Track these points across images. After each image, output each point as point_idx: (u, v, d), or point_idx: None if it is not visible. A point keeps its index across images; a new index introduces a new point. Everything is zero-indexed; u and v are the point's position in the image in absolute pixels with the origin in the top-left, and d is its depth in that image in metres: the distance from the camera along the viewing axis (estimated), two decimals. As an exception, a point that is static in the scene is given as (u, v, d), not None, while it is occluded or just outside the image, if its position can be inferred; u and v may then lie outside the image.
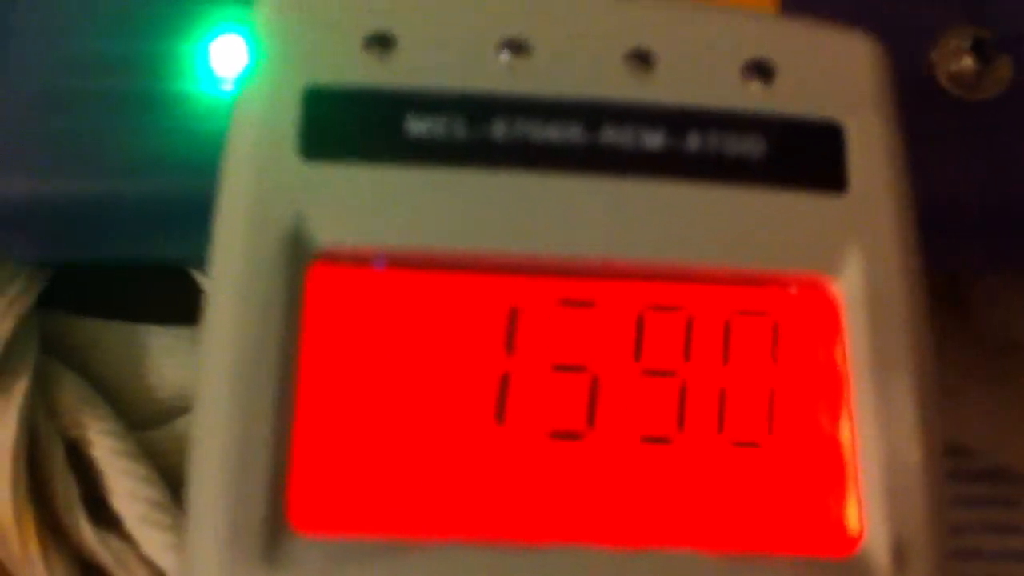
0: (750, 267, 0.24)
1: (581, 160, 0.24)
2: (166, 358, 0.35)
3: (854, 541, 0.23)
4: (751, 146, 0.25)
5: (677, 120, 0.24)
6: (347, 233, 0.23)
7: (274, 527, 0.22)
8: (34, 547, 0.32)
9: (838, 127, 0.25)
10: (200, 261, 0.33)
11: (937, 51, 0.31)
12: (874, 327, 0.24)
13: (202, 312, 0.24)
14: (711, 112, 0.25)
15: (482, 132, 0.24)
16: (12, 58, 0.31)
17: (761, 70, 0.25)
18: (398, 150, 0.24)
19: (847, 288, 0.24)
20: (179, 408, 0.35)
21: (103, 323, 0.35)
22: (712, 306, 0.24)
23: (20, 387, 0.33)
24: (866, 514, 0.23)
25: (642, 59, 0.25)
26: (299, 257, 0.23)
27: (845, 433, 0.24)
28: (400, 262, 0.24)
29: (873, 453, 0.23)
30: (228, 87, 0.30)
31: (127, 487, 0.33)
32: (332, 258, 0.23)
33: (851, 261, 0.24)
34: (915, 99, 0.30)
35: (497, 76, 0.24)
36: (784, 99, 0.25)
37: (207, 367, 0.23)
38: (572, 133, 0.24)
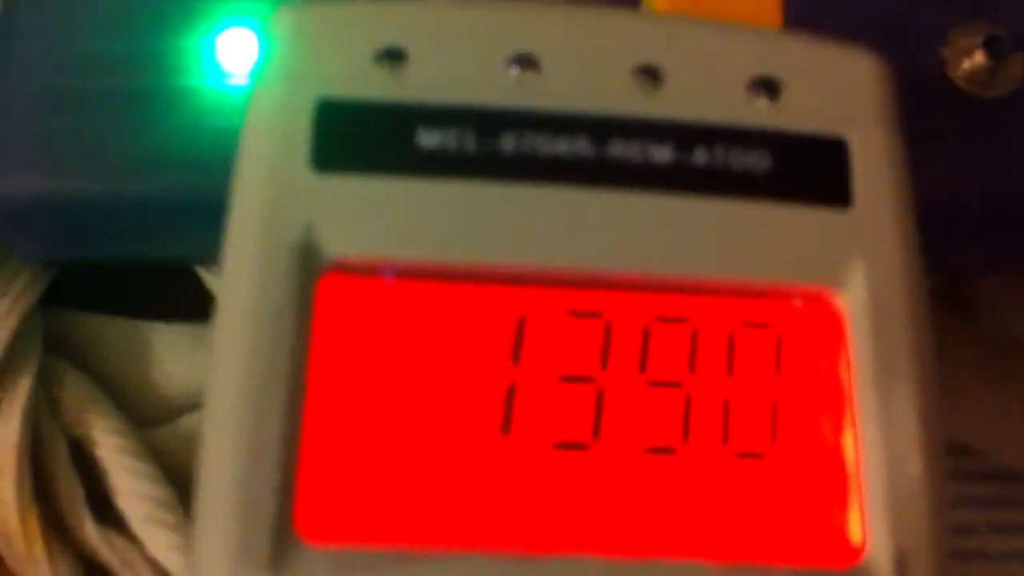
0: (755, 280, 0.24)
1: (589, 174, 0.24)
2: (171, 355, 0.35)
3: (857, 552, 0.23)
4: (757, 161, 0.25)
5: (684, 135, 0.25)
6: (357, 244, 0.24)
7: (282, 536, 0.22)
8: (38, 546, 0.32)
9: (843, 142, 0.25)
10: (206, 259, 0.34)
11: (948, 49, 0.31)
12: (877, 340, 0.24)
13: (212, 320, 0.24)
14: (718, 127, 0.25)
15: (492, 145, 0.24)
16: (16, 55, 0.31)
17: (767, 86, 0.25)
18: (409, 163, 0.24)
19: (851, 301, 0.24)
20: (184, 406, 0.35)
21: (107, 320, 0.35)
22: (717, 318, 0.25)
23: (24, 385, 0.33)
24: (869, 525, 0.23)
25: (650, 75, 0.25)
26: (310, 268, 0.23)
27: (848, 444, 0.24)
28: (409, 273, 0.24)
29: (876, 464, 0.24)
30: (235, 81, 0.30)
31: (132, 486, 0.33)
32: (342, 269, 0.24)
33: (855, 275, 0.24)
34: (927, 97, 0.31)
35: (507, 91, 0.25)
36: (790, 115, 0.25)
37: (217, 376, 0.23)
38: (580, 147, 0.24)
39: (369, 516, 0.23)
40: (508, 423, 0.24)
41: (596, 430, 0.24)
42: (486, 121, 0.24)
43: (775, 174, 0.25)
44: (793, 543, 0.24)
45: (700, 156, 0.25)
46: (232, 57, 0.30)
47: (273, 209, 0.24)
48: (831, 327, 0.24)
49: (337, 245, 0.24)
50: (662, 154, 0.25)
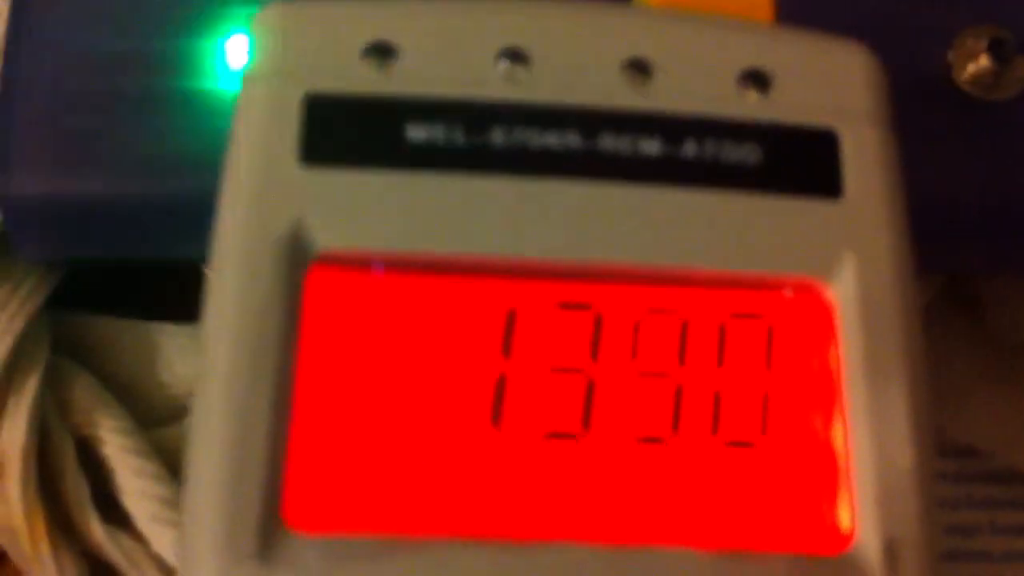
0: (745, 271, 0.25)
1: (579, 166, 0.24)
2: (178, 356, 0.35)
3: (846, 539, 0.24)
4: (747, 153, 0.25)
5: (674, 128, 0.25)
6: (346, 237, 0.24)
7: (270, 526, 0.22)
8: (45, 546, 0.32)
9: (833, 135, 0.25)
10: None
11: (954, 51, 0.31)
12: (867, 330, 0.24)
13: (201, 312, 0.24)
14: (708, 120, 0.25)
15: (481, 139, 0.24)
16: (26, 57, 0.31)
17: (757, 79, 0.25)
18: (397, 156, 0.24)
19: (841, 292, 0.24)
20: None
21: (114, 321, 0.35)
22: (707, 309, 0.25)
23: (31, 385, 0.33)
24: (858, 512, 0.24)
25: (640, 68, 0.25)
26: (298, 260, 0.24)
27: (838, 434, 0.24)
28: (399, 265, 0.24)
29: (865, 453, 0.24)
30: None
31: (138, 485, 0.33)
32: (331, 261, 0.24)
33: (845, 266, 0.24)
34: (932, 99, 0.31)
35: (496, 84, 0.25)
36: (780, 108, 0.25)
37: (206, 367, 0.23)
38: (570, 140, 0.24)
39: (357, 505, 0.23)
40: (498, 414, 0.24)
41: (586, 420, 0.24)
42: (475, 114, 0.24)
43: (765, 166, 0.25)
44: (783, 531, 0.24)
45: (690, 148, 0.25)
46: (242, 60, 0.30)
47: (262, 202, 0.24)
48: (821, 318, 0.25)
49: (326, 238, 0.24)
50: (652, 147, 0.25)
